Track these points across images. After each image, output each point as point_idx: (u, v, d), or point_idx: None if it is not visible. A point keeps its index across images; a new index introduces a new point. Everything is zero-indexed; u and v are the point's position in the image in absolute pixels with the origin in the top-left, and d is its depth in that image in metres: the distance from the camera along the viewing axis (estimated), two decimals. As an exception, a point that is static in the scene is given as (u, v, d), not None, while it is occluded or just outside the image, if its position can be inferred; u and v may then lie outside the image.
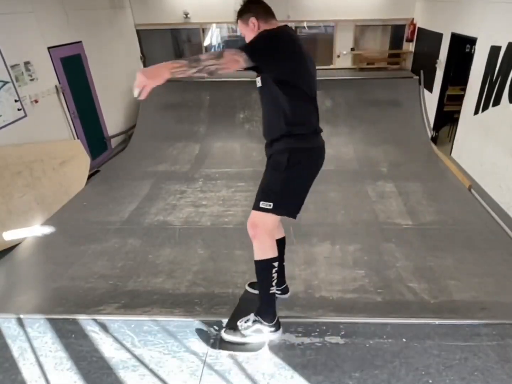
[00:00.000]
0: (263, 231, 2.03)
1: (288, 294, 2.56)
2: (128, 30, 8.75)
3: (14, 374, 2.19)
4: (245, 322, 2.21)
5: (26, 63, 5.40)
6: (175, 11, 8.81)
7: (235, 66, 1.69)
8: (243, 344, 2.19)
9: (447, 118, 7.29)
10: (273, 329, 2.18)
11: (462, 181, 5.80)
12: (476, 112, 5.66)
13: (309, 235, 4.51)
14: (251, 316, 2.21)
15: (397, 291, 3.58)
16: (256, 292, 2.33)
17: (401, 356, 2.18)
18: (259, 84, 2.00)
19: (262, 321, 2.17)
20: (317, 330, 2.37)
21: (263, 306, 2.19)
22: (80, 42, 6.70)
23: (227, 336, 2.21)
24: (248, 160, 7.04)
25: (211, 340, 2.33)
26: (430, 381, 2.04)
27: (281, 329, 2.22)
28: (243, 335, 2.19)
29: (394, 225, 4.79)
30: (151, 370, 2.17)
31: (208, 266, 4.05)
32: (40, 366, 2.22)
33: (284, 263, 2.46)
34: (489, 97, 5.23)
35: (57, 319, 2.54)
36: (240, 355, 2.22)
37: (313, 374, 2.10)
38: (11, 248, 4.53)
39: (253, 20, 1.96)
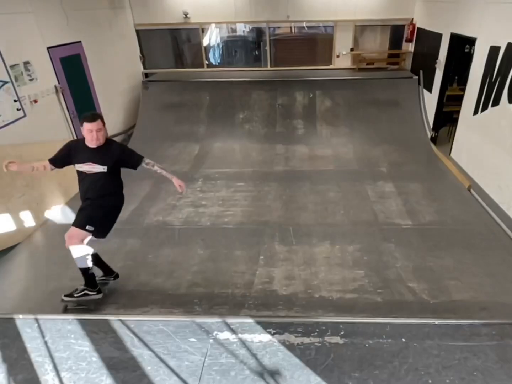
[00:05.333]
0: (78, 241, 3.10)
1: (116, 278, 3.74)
2: (127, 30, 8.74)
3: (14, 374, 2.19)
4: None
5: (26, 63, 5.39)
6: (175, 11, 8.80)
7: None
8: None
9: (446, 118, 7.30)
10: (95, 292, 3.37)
11: (462, 181, 5.80)
12: (475, 112, 5.66)
13: (308, 235, 4.51)
14: (80, 287, 3.37)
15: (397, 291, 3.58)
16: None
17: (400, 356, 2.19)
18: (104, 170, 3.06)
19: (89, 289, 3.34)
20: (317, 330, 2.38)
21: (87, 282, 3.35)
22: (79, 42, 6.70)
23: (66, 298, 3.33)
24: (248, 160, 7.03)
25: (211, 340, 2.33)
26: (430, 381, 2.05)
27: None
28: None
29: (394, 225, 4.80)
30: (151, 370, 2.17)
31: (207, 266, 4.05)
32: (40, 366, 2.22)
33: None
34: (488, 97, 5.23)
35: (57, 319, 2.54)
36: (240, 354, 2.23)
37: (313, 374, 2.10)
38: (11, 248, 4.53)
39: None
